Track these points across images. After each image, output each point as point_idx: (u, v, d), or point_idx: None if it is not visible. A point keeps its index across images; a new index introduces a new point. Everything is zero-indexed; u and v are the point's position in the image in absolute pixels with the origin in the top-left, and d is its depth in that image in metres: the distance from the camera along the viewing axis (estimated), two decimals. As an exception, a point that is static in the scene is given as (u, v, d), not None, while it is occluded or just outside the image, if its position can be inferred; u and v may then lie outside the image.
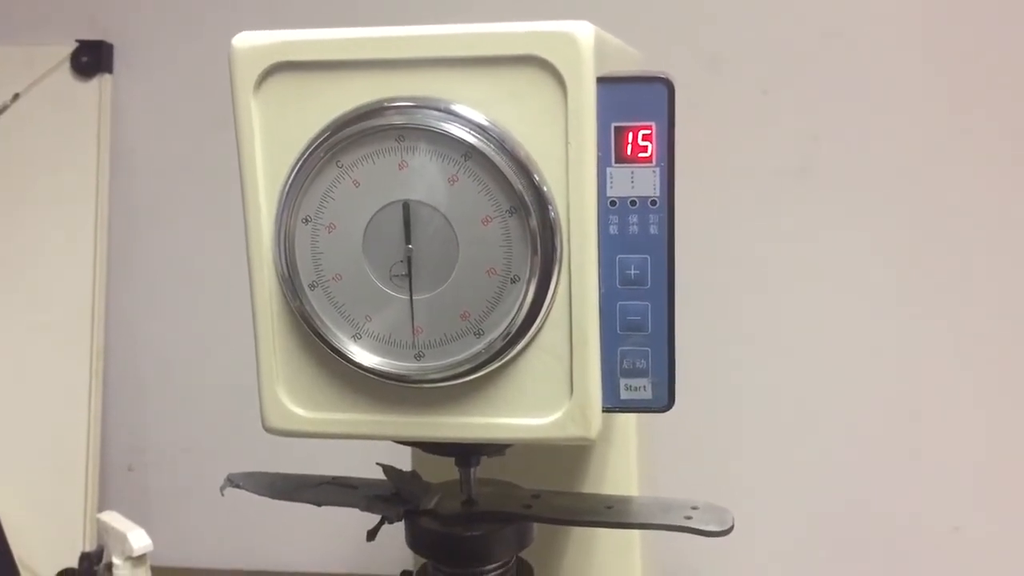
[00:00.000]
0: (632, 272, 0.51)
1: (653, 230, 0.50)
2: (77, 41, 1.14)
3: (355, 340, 0.52)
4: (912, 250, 1.03)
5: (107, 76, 1.15)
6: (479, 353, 0.50)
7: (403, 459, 0.65)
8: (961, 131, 1.01)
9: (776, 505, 1.09)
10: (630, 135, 0.49)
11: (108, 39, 1.15)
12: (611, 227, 0.50)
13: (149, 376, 1.20)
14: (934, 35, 1.00)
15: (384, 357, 0.52)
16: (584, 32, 0.48)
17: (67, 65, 1.15)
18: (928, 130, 1.01)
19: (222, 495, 0.65)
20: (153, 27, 1.15)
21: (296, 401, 0.55)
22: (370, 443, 0.56)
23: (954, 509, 1.06)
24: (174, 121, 1.16)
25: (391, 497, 0.61)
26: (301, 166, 0.50)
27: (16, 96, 1.15)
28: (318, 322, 0.52)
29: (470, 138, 0.48)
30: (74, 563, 1.08)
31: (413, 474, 0.62)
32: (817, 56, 1.02)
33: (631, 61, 0.63)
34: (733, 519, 0.57)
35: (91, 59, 1.14)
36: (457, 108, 0.49)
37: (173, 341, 1.19)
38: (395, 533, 0.61)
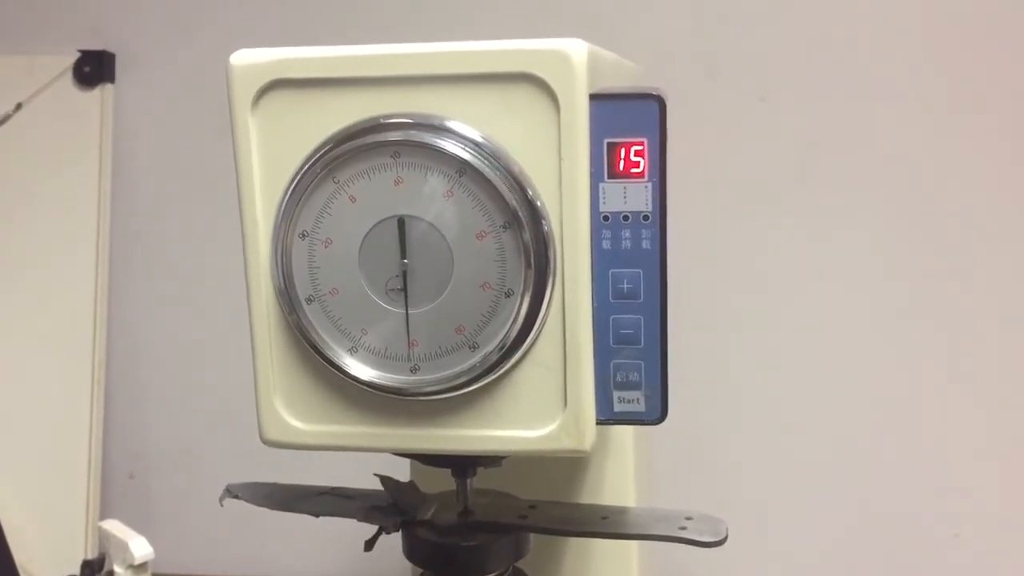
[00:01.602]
0: (625, 286, 0.51)
1: (646, 245, 0.51)
2: (79, 51, 1.15)
3: (351, 353, 0.52)
4: (912, 254, 1.04)
5: (109, 86, 1.15)
6: (474, 366, 0.51)
7: (402, 470, 0.65)
8: (960, 136, 1.01)
9: (775, 512, 1.09)
10: (622, 151, 0.50)
11: (110, 49, 1.16)
12: (604, 242, 0.51)
13: (150, 383, 1.21)
14: (933, 40, 1.01)
15: (380, 370, 0.52)
16: (577, 49, 0.48)
17: (69, 75, 1.15)
18: (927, 135, 1.01)
19: (221, 506, 0.65)
20: (154, 37, 1.15)
21: (293, 413, 0.55)
22: (369, 454, 0.56)
23: (954, 515, 1.06)
24: (175, 130, 1.16)
25: (388, 507, 0.61)
26: (298, 182, 0.51)
27: (19, 105, 1.16)
28: (315, 336, 0.52)
29: (465, 154, 0.49)
30: (76, 571, 1.09)
31: (410, 485, 0.62)
32: (815, 62, 1.02)
33: (628, 74, 0.64)
34: (727, 529, 0.57)
35: (93, 69, 1.15)
36: (452, 124, 0.50)
37: (174, 349, 1.20)
38: (393, 543, 0.62)
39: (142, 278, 1.18)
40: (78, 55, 1.15)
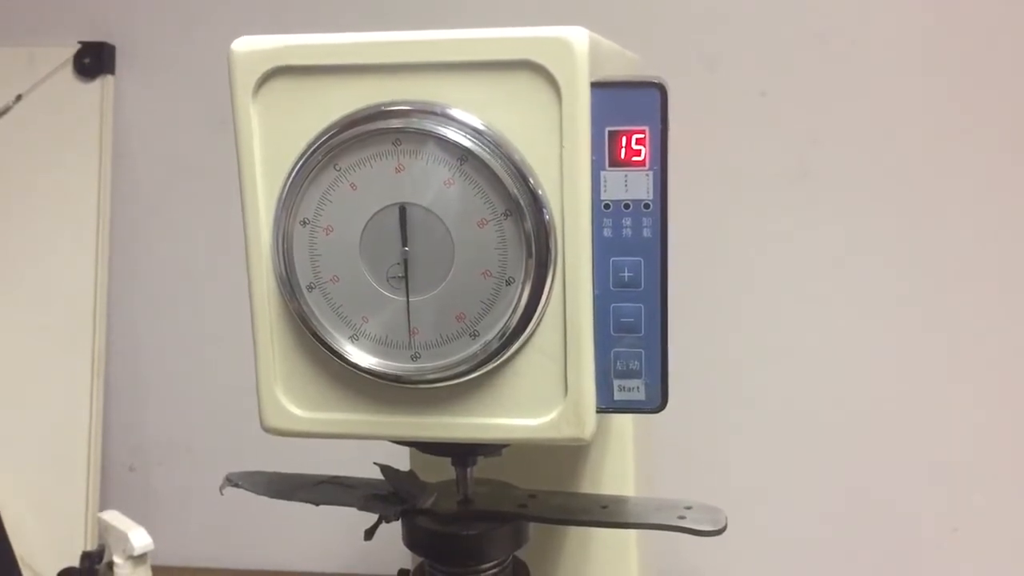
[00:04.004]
0: (625, 275, 0.51)
1: (646, 233, 0.51)
2: (79, 43, 1.15)
3: (352, 341, 0.52)
4: (911, 252, 1.04)
5: (109, 77, 1.15)
6: (475, 354, 0.51)
7: (402, 459, 0.65)
8: (960, 132, 1.01)
9: (774, 505, 1.09)
10: (624, 139, 0.50)
11: (110, 41, 1.16)
12: (605, 230, 0.51)
13: (150, 376, 1.21)
14: (933, 36, 1.01)
15: (381, 358, 0.52)
16: (579, 37, 0.49)
17: (69, 66, 1.15)
18: (927, 132, 1.01)
19: (221, 494, 0.65)
20: (155, 29, 1.15)
21: (294, 401, 0.55)
22: (369, 443, 0.56)
23: (953, 510, 1.07)
24: (176, 122, 1.16)
25: (388, 496, 0.61)
26: (299, 169, 0.51)
27: (19, 97, 1.16)
28: (316, 323, 0.52)
29: (466, 142, 0.49)
30: (75, 562, 1.08)
31: (410, 474, 0.62)
32: (816, 58, 1.02)
33: (628, 65, 0.64)
34: (726, 519, 0.57)
35: (93, 60, 1.15)
36: (453, 112, 0.50)
37: (174, 341, 1.20)
38: (393, 532, 0.62)
39: (142, 269, 1.18)
40: (78, 46, 1.15)
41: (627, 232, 0.51)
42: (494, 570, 0.60)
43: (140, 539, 0.85)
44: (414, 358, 0.52)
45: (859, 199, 1.03)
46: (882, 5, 1.01)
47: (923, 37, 1.01)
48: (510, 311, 0.50)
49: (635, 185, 0.50)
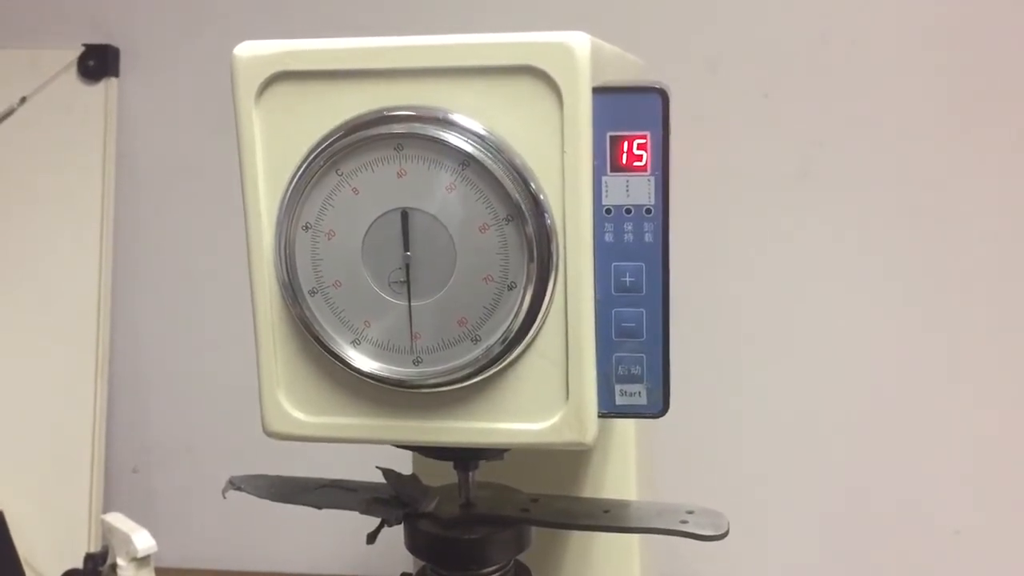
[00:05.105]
0: (627, 279, 0.51)
1: (648, 238, 0.51)
2: (84, 45, 1.15)
3: (354, 346, 0.53)
4: (913, 253, 1.04)
5: (113, 80, 1.16)
6: (476, 359, 0.51)
7: (404, 463, 0.65)
8: (962, 134, 1.01)
9: (776, 509, 1.09)
10: (625, 144, 0.50)
11: (114, 43, 1.16)
12: (606, 235, 0.51)
13: (153, 377, 1.21)
14: (935, 38, 1.01)
15: (383, 362, 0.52)
16: (580, 43, 0.49)
17: (74, 69, 1.15)
18: (929, 133, 1.01)
19: (223, 497, 0.65)
20: (159, 32, 1.16)
21: (296, 405, 0.55)
22: (371, 446, 0.56)
23: (955, 513, 1.07)
24: (179, 125, 1.16)
25: (390, 500, 0.61)
26: (301, 174, 0.51)
27: (23, 99, 1.16)
28: (318, 328, 0.52)
29: (468, 147, 0.49)
30: (79, 564, 1.09)
31: (412, 477, 0.62)
32: (819, 60, 1.02)
33: (631, 68, 0.64)
34: (728, 523, 0.57)
35: (97, 63, 1.15)
36: (455, 117, 0.50)
37: (177, 343, 1.20)
38: (395, 536, 0.62)
39: (145, 272, 1.19)
40: (82, 49, 1.15)
41: (629, 237, 0.51)
42: (496, 574, 0.60)
43: (143, 541, 0.85)
44: (416, 363, 0.52)
45: (860, 200, 1.03)
46: (882, 5, 1.01)
47: (923, 37, 1.01)
48: (512, 316, 0.50)
49: (637, 190, 0.50)
